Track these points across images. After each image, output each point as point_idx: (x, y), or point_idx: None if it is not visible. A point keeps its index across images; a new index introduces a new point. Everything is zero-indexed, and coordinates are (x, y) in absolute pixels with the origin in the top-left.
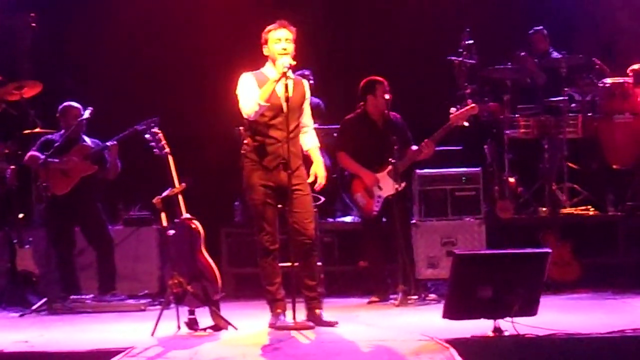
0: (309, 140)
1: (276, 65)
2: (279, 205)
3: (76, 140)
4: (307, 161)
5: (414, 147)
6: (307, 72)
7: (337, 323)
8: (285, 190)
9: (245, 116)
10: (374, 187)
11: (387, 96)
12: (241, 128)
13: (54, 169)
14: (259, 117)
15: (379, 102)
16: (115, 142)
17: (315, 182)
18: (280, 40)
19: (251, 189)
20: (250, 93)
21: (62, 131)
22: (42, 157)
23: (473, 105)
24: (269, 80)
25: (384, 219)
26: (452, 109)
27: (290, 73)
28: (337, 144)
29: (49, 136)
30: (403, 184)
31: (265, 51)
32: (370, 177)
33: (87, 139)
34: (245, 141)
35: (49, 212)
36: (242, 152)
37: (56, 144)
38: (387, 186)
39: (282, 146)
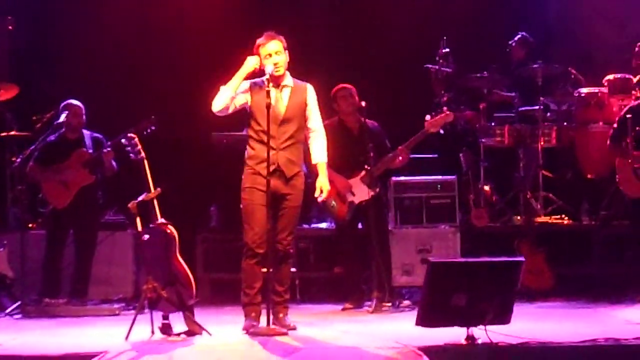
0: (317, 154)
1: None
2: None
3: (76, 142)
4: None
5: (390, 154)
6: None
7: (295, 328)
8: (278, 198)
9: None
10: (346, 193)
11: (362, 103)
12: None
13: (54, 180)
14: (253, 124)
15: (342, 107)
16: (110, 149)
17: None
18: (270, 55)
19: (244, 191)
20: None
21: (62, 130)
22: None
23: (448, 112)
24: (264, 89)
25: (359, 225)
26: (427, 116)
27: (289, 80)
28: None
29: (49, 139)
30: (377, 190)
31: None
32: (343, 182)
33: (87, 133)
34: (245, 149)
35: (50, 219)
36: (244, 158)
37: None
38: (361, 192)
39: (277, 153)
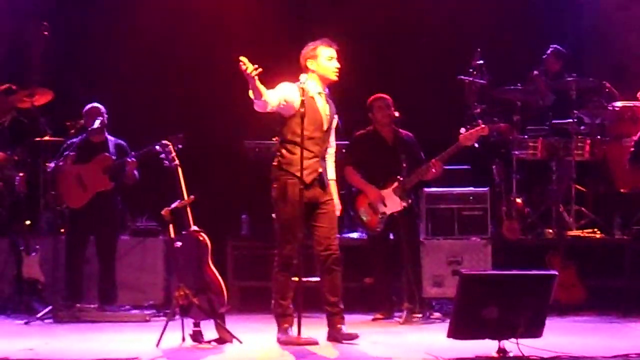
0: (330, 170)
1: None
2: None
3: (101, 146)
4: None
5: (423, 166)
6: None
7: (357, 336)
8: (314, 206)
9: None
10: (378, 204)
11: (396, 113)
12: (275, 139)
13: (70, 174)
14: (297, 129)
15: (377, 118)
16: (134, 159)
17: None
18: (332, 59)
19: (284, 202)
20: (278, 91)
21: (85, 134)
22: (59, 163)
23: (483, 126)
24: (310, 94)
25: (391, 236)
26: (462, 129)
27: (326, 92)
28: (345, 158)
29: (71, 140)
30: (409, 201)
31: (312, 66)
32: (375, 193)
33: (111, 139)
34: (279, 153)
35: (68, 220)
36: (275, 164)
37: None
38: (393, 203)
39: (319, 161)
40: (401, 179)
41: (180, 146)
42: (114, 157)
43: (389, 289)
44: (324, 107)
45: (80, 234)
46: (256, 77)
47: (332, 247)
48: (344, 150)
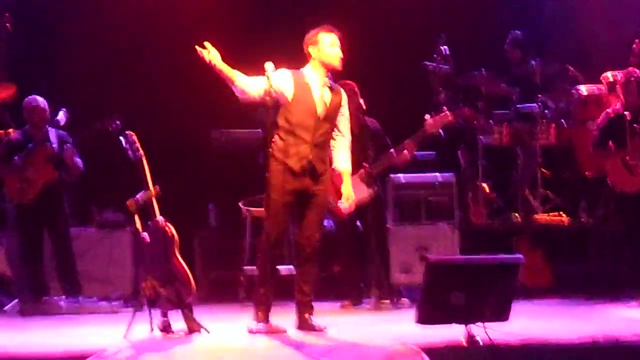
0: (343, 160)
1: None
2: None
3: (42, 139)
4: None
5: (392, 151)
6: None
7: (324, 329)
8: (305, 195)
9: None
10: None
11: (361, 101)
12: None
13: (16, 177)
14: (287, 116)
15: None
16: (70, 146)
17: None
18: (334, 45)
19: (272, 189)
20: (262, 78)
21: (26, 127)
22: (14, 162)
23: (447, 113)
24: (306, 80)
25: (358, 223)
26: (427, 116)
27: (327, 80)
28: None
29: (12, 136)
30: (375, 189)
31: (313, 52)
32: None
33: (51, 130)
34: (272, 140)
35: (17, 217)
36: (270, 150)
37: (30, 146)
38: (359, 191)
39: (310, 149)
40: (367, 166)
41: (118, 122)
42: (55, 146)
43: (357, 276)
44: (320, 94)
45: (32, 228)
46: (217, 64)
47: (313, 237)
48: None
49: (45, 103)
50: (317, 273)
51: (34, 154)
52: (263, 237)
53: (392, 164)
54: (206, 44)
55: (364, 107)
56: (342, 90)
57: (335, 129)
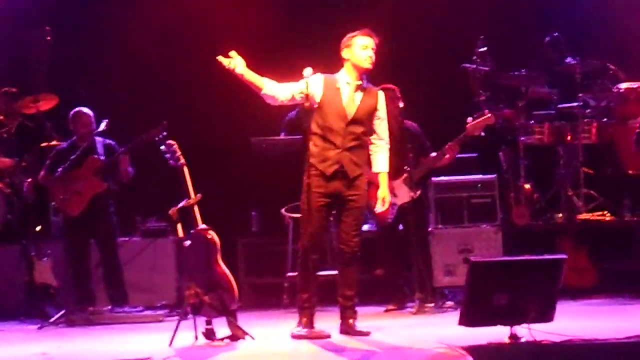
0: (380, 162)
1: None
2: (333, 212)
3: (89, 149)
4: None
5: (433, 154)
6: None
7: (369, 333)
8: (340, 199)
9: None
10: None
11: (400, 104)
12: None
13: (66, 189)
14: (319, 120)
15: (388, 109)
16: (124, 153)
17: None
18: (367, 47)
19: (306, 193)
20: (294, 83)
21: (74, 138)
22: (57, 173)
23: (489, 115)
24: (337, 85)
25: (400, 227)
26: (469, 119)
27: (364, 82)
28: None
29: (60, 146)
30: (418, 192)
31: (346, 54)
32: None
33: (99, 140)
34: (308, 145)
35: (65, 228)
36: (306, 156)
37: (72, 157)
38: (402, 194)
39: (341, 153)
40: (409, 169)
41: (165, 134)
42: (102, 158)
43: (400, 279)
44: (350, 97)
45: (80, 239)
46: (244, 72)
47: (351, 243)
48: None
49: (92, 114)
50: (358, 277)
51: (82, 166)
52: (301, 242)
53: (433, 167)
54: (231, 53)
55: (403, 110)
56: (379, 92)
57: (373, 133)
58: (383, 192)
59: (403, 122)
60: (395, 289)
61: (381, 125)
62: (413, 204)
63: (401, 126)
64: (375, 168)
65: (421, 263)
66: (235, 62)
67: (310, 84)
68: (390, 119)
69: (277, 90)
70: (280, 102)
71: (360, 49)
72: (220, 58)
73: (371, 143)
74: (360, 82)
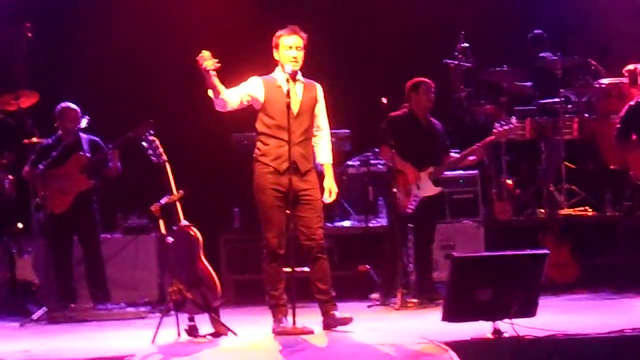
0: (323, 153)
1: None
2: (287, 211)
3: (74, 146)
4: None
5: (455, 155)
6: None
7: (351, 319)
8: (295, 195)
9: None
10: (413, 185)
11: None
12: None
13: (50, 186)
14: (265, 119)
15: (421, 101)
16: (115, 150)
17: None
18: (291, 48)
19: (260, 192)
20: (240, 88)
21: (59, 133)
22: (38, 169)
23: (518, 125)
24: (277, 83)
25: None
26: (496, 124)
27: (300, 76)
28: (381, 138)
29: (44, 142)
30: (439, 189)
31: (275, 55)
32: (415, 174)
33: (84, 137)
34: (255, 145)
35: (47, 224)
36: (254, 155)
37: (54, 154)
38: (426, 187)
39: (291, 148)
40: (433, 168)
41: (152, 132)
42: (88, 155)
43: (395, 272)
44: (293, 93)
45: (62, 236)
46: (214, 74)
47: (315, 236)
48: (382, 128)
49: (79, 110)
50: (329, 269)
51: (67, 164)
52: (265, 241)
53: (453, 168)
54: (205, 53)
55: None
56: (317, 85)
57: (315, 125)
58: (329, 182)
59: (430, 118)
60: (387, 279)
61: (322, 115)
62: (433, 200)
63: (429, 121)
64: (319, 159)
65: (426, 259)
66: (212, 62)
67: (248, 88)
68: (421, 111)
69: (228, 96)
70: (231, 108)
71: (285, 49)
72: (204, 52)
73: (313, 135)
74: (298, 78)
